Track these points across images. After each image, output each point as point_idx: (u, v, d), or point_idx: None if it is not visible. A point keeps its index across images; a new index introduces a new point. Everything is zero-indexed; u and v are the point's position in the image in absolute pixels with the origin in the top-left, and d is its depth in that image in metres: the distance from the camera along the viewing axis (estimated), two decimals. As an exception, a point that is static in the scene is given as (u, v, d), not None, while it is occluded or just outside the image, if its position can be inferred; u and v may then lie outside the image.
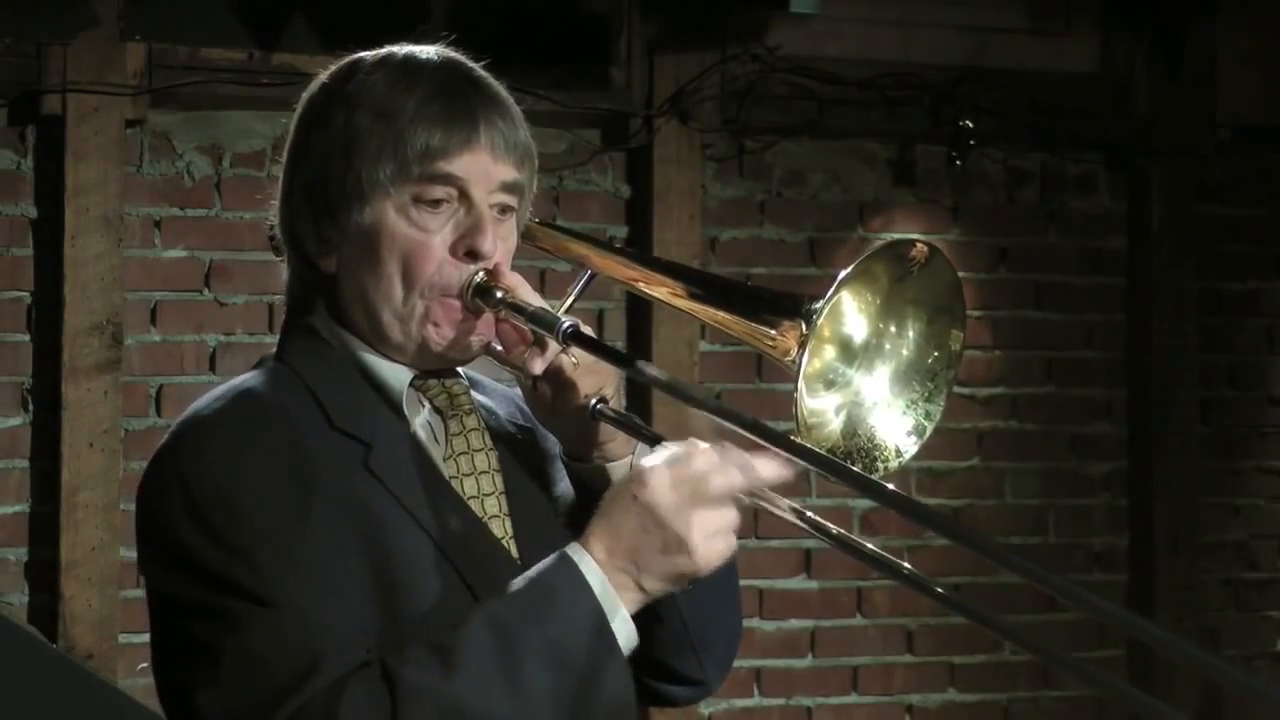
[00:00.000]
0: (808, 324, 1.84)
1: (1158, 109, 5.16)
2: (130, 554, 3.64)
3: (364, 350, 2.00)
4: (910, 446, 1.93)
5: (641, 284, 2.09)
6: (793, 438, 1.81)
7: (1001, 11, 5.08)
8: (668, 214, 4.73)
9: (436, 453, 2.00)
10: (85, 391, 4.26)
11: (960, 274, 1.95)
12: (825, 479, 1.84)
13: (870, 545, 1.81)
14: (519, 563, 1.95)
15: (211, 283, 4.47)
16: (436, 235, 1.96)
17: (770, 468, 1.80)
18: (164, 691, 1.92)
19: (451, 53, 2.03)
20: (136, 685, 4.04)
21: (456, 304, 1.96)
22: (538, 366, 1.98)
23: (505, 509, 2.00)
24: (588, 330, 1.95)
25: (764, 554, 4.82)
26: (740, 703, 4.83)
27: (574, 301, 2.04)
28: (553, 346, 1.96)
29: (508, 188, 1.99)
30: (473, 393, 2.06)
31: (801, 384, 1.83)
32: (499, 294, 1.95)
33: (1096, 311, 5.22)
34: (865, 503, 4.76)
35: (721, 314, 1.99)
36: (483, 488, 2.00)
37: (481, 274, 1.96)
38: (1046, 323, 5.17)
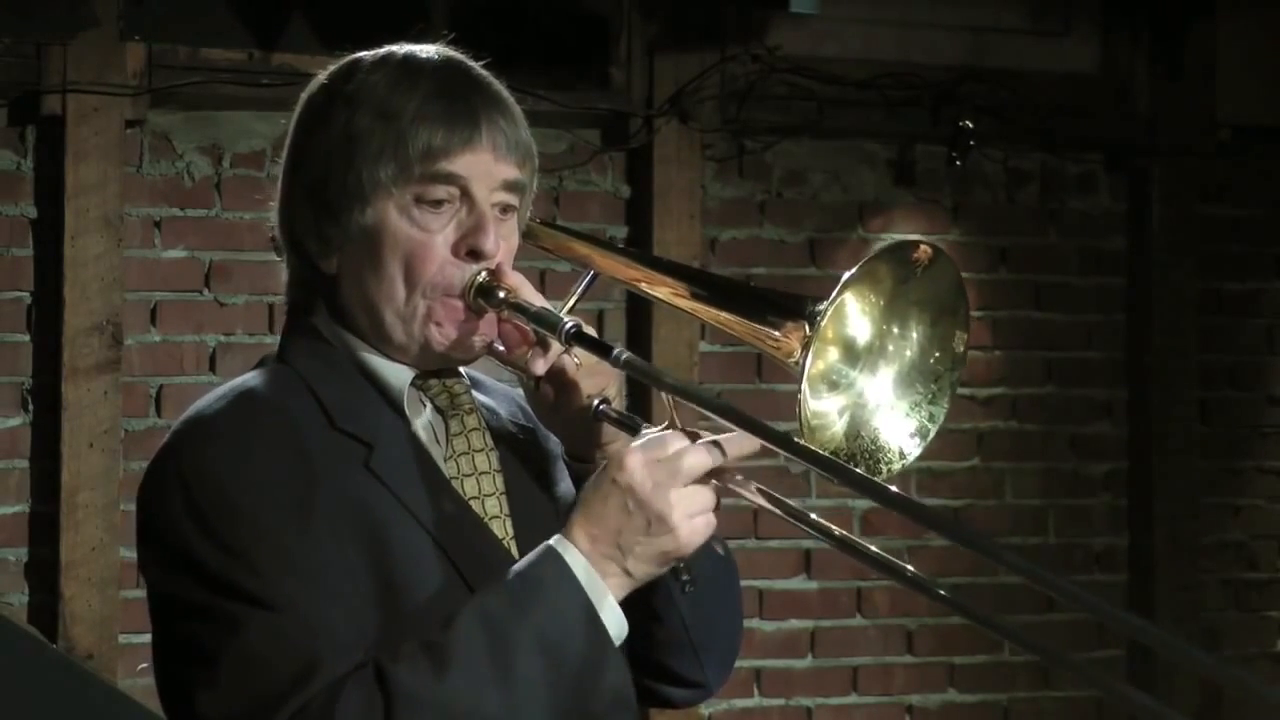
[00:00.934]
0: (811, 325, 1.83)
1: (1158, 109, 5.16)
2: (130, 554, 3.64)
3: (365, 350, 1.99)
4: (914, 448, 1.93)
5: (644, 284, 2.09)
6: (795, 439, 1.81)
7: (1001, 11, 5.08)
8: (668, 214, 4.73)
9: (438, 453, 1.99)
10: (85, 392, 4.26)
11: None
12: (826, 479, 1.84)
13: (871, 546, 1.81)
14: (519, 563, 1.95)
15: (211, 283, 4.47)
16: (438, 235, 1.95)
17: (741, 444, 1.82)
18: (164, 692, 1.92)
19: (452, 52, 2.03)
20: (136, 685, 4.03)
21: (459, 304, 1.96)
22: (540, 367, 1.97)
23: (506, 509, 2.00)
24: (590, 331, 1.95)
25: (764, 554, 4.82)
26: (740, 703, 4.83)
27: (576, 302, 2.03)
28: (555, 347, 1.95)
29: (509, 187, 1.98)
30: (474, 392, 2.05)
31: (805, 386, 1.82)
32: (501, 294, 1.94)
33: (1096, 312, 5.22)
34: (865, 503, 4.75)
35: (725, 315, 1.98)
36: (484, 488, 2.00)
37: (484, 274, 1.95)
38: (1046, 323, 5.17)
